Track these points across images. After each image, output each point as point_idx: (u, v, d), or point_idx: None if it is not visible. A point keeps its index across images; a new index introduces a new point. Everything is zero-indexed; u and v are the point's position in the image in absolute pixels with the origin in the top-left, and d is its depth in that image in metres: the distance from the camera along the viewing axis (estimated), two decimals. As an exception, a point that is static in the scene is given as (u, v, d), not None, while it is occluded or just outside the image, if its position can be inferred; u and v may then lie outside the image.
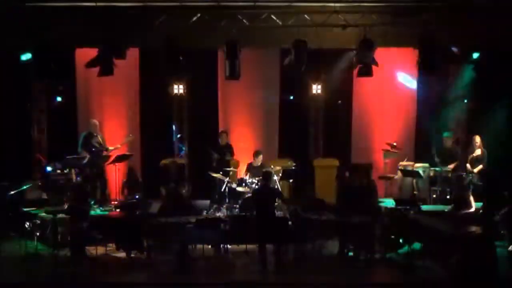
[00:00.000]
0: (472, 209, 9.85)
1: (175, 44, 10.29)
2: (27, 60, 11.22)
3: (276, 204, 10.97)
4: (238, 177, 12.27)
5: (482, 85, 12.37)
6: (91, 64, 10.77)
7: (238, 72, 10.72)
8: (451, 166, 11.91)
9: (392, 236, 9.89)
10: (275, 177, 11.63)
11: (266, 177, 9.63)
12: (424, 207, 10.73)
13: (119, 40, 10.44)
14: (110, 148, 12.23)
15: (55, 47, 10.50)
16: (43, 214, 10.21)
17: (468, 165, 11.89)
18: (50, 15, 10.17)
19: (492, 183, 9.73)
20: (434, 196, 11.95)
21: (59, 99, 13.23)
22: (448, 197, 11.59)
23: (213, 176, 11.85)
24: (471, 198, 10.03)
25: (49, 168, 11.94)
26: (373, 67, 10.79)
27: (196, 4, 10.16)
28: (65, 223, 9.73)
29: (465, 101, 13.11)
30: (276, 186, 11.51)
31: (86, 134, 12.22)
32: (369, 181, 10.30)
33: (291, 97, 13.64)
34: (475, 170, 11.61)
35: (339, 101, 13.41)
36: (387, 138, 12.80)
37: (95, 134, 12.10)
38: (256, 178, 11.35)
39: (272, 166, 11.89)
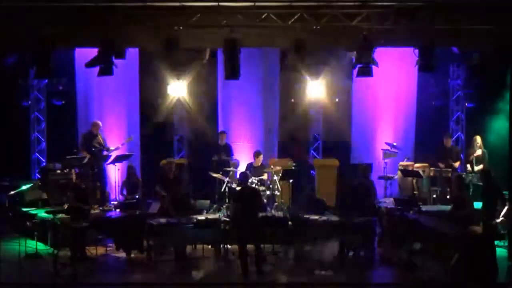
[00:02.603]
0: (472, 209, 9.85)
1: (175, 44, 10.29)
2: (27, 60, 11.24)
3: (276, 204, 11.00)
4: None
5: (482, 85, 12.38)
6: (91, 64, 10.76)
7: (238, 72, 10.71)
8: (456, 165, 11.92)
9: (392, 236, 9.90)
10: (275, 177, 11.62)
11: (244, 178, 9.58)
12: (424, 207, 10.73)
13: (119, 40, 10.44)
14: (111, 148, 12.24)
15: (55, 47, 10.49)
16: (43, 214, 10.21)
17: (468, 165, 11.90)
18: (50, 15, 10.16)
19: (492, 183, 9.73)
20: (434, 196, 11.96)
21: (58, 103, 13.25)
22: (448, 197, 11.60)
23: (213, 176, 11.86)
24: (471, 198, 10.03)
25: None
26: (373, 67, 10.78)
27: (196, 4, 10.14)
28: (65, 223, 9.73)
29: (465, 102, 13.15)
30: (276, 187, 11.52)
31: (87, 134, 12.24)
32: (367, 181, 10.31)
33: (291, 97, 13.62)
34: (476, 169, 11.62)
35: (337, 99, 13.42)
36: (387, 138, 12.81)
37: (96, 134, 12.11)
38: (256, 178, 11.36)
39: (272, 166, 11.89)
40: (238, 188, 10.30)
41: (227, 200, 11.63)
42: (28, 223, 10.32)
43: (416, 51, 10.32)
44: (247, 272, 8.92)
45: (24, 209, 10.82)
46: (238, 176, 9.90)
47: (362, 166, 10.36)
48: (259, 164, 11.96)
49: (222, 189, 11.78)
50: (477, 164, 11.73)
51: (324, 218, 9.94)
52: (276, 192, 11.59)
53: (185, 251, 9.75)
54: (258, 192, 9.94)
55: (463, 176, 11.26)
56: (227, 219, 9.90)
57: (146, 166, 13.03)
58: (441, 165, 12.02)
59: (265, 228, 9.63)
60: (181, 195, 10.38)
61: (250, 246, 9.67)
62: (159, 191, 10.56)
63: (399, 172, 12.19)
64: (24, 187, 10.84)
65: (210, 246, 10.05)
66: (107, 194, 12.33)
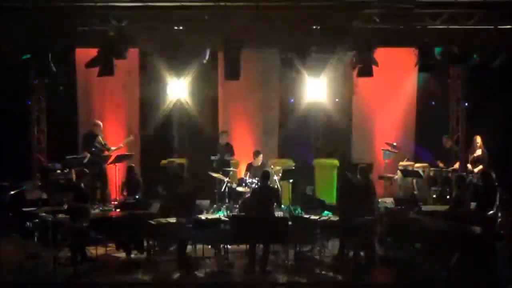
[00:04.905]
0: (472, 209, 9.85)
1: (175, 44, 10.30)
2: (27, 60, 11.23)
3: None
4: (238, 177, 12.28)
5: (482, 85, 12.38)
6: (91, 64, 10.77)
7: (238, 72, 10.72)
8: (455, 166, 11.93)
9: (392, 236, 9.90)
10: (275, 177, 11.62)
11: (266, 176, 9.64)
12: (424, 207, 10.72)
13: (119, 40, 10.45)
14: (112, 148, 12.25)
15: (55, 47, 10.51)
16: (43, 214, 10.21)
17: (468, 165, 11.90)
18: (51, 15, 10.17)
19: (492, 183, 9.72)
20: (434, 196, 11.95)
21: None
22: (448, 197, 11.60)
23: (213, 176, 11.86)
24: (471, 198, 10.03)
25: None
26: (373, 67, 10.79)
27: (196, 4, 10.15)
28: (65, 223, 9.72)
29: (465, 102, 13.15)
30: (276, 187, 11.52)
31: (88, 134, 12.25)
32: (367, 181, 10.30)
33: (291, 97, 13.63)
34: (475, 170, 11.62)
35: (336, 99, 13.42)
36: (387, 138, 12.81)
37: (97, 135, 12.12)
38: (256, 178, 11.35)
39: (272, 166, 11.88)
40: (257, 186, 10.35)
41: (227, 200, 11.64)
42: (28, 223, 10.30)
43: (416, 51, 10.34)
44: (252, 271, 8.98)
45: (24, 209, 10.80)
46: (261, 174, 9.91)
47: (362, 166, 10.35)
48: (259, 164, 11.96)
49: (222, 189, 11.78)
50: (477, 164, 11.72)
51: (324, 218, 9.93)
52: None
53: (185, 251, 9.75)
54: (277, 192, 9.99)
55: (464, 176, 11.26)
56: (227, 218, 9.92)
57: (146, 166, 13.02)
58: (441, 164, 12.04)
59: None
60: (185, 194, 10.37)
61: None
62: (161, 192, 10.57)
63: (399, 172, 12.19)
64: (24, 187, 10.85)
65: (210, 246, 10.04)
66: (107, 194, 12.33)
